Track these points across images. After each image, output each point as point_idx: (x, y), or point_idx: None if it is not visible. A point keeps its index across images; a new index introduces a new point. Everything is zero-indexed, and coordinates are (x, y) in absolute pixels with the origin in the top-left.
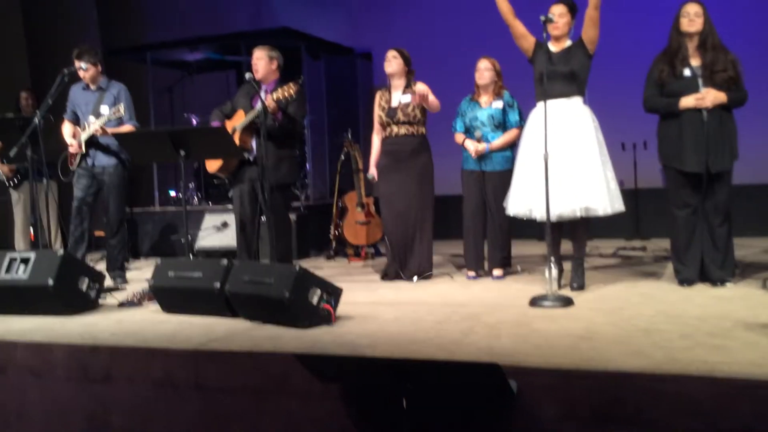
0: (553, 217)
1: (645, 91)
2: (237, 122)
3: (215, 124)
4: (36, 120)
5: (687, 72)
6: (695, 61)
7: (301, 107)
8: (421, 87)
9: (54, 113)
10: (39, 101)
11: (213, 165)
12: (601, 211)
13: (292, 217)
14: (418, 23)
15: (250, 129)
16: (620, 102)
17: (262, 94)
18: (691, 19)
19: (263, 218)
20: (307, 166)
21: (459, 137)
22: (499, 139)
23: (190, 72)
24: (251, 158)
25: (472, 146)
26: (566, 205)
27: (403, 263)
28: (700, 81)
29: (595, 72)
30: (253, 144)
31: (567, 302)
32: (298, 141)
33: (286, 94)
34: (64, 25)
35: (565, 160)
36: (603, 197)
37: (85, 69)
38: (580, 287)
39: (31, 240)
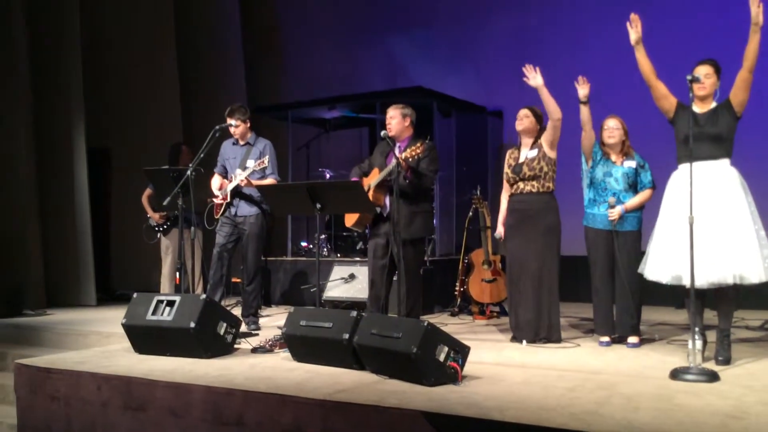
0: (703, 284)
1: None
2: (372, 180)
3: (353, 179)
4: (189, 172)
5: None
6: None
7: (433, 163)
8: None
9: (204, 166)
10: (194, 156)
11: (350, 219)
12: (756, 278)
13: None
14: (552, 81)
15: (383, 186)
16: None
17: (396, 152)
18: None
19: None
20: (435, 221)
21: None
22: (635, 200)
23: (327, 129)
24: (385, 214)
25: (615, 212)
26: (717, 272)
27: (528, 325)
28: None
29: (742, 133)
30: (387, 201)
31: (712, 377)
32: (430, 195)
33: (414, 153)
34: (215, 85)
35: (714, 225)
36: (757, 264)
37: (235, 125)
38: (726, 361)
39: (176, 284)
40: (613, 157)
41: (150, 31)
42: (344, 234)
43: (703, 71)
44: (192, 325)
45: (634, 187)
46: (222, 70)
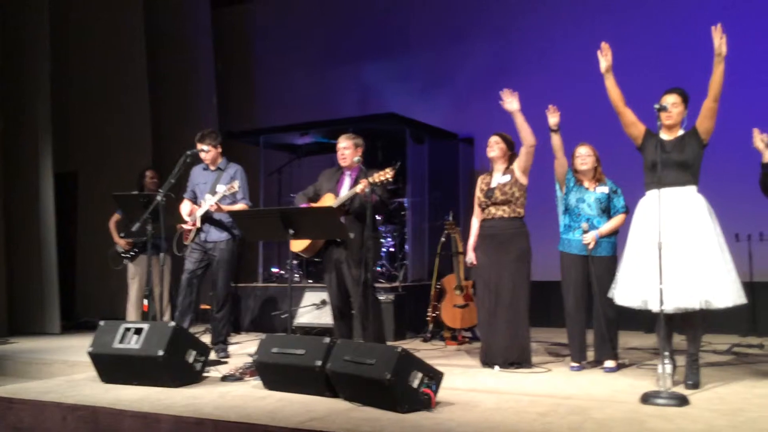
0: (671, 309)
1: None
2: (327, 204)
3: (303, 206)
4: (159, 197)
5: None
6: None
7: (385, 190)
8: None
9: (174, 192)
10: (162, 180)
11: (299, 245)
12: (723, 303)
13: (390, 297)
14: (522, 108)
15: (339, 210)
16: (734, 192)
17: (347, 181)
18: None
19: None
20: (406, 246)
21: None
22: (608, 225)
23: (299, 155)
24: (351, 236)
25: (589, 237)
26: (685, 297)
27: (500, 350)
28: None
29: (708, 161)
30: None
31: (682, 401)
32: (392, 221)
33: (382, 177)
34: (185, 110)
35: (682, 250)
36: (724, 289)
37: (206, 151)
38: (696, 385)
39: (144, 311)
40: (586, 184)
41: (120, 55)
42: (316, 260)
43: (671, 100)
44: (160, 353)
45: (607, 212)
46: (193, 94)
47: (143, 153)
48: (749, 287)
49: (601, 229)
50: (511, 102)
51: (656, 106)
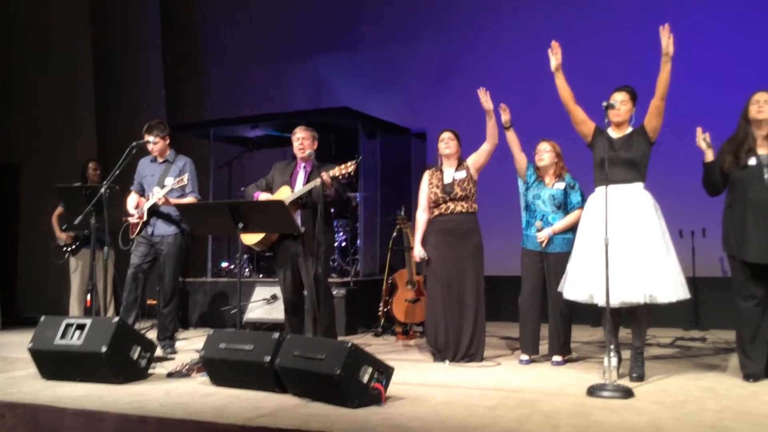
0: (616, 303)
1: None
2: (282, 197)
3: (257, 195)
4: (102, 190)
5: (752, 161)
6: (763, 150)
7: (343, 185)
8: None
9: (120, 184)
10: (106, 172)
11: (251, 238)
12: (666, 298)
13: (342, 291)
14: (473, 105)
15: (295, 203)
16: (679, 189)
17: (302, 173)
18: (761, 107)
19: (305, 292)
20: (359, 241)
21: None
22: (562, 222)
23: (250, 148)
24: (301, 231)
25: (542, 235)
26: (630, 292)
27: (454, 344)
28: (765, 170)
29: (654, 158)
30: (297, 218)
31: (627, 393)
32: (345, 216)
33: (344, 171)
34: (132, 100)
35: (628, 246)
36: (668, 284)
37: (153, 142)
38: (640, 378)
39: (87, 306)
40: (547, 179)
41: (64, 45)
42: (267, 254)
43: (619, 98)
44: (104, 349)
45: (563, 208)
46: (141, 85)
47: (88, 145)
48: (692, 282)
49: (555, 226)
50: (488, 101)
51: (605, 103)
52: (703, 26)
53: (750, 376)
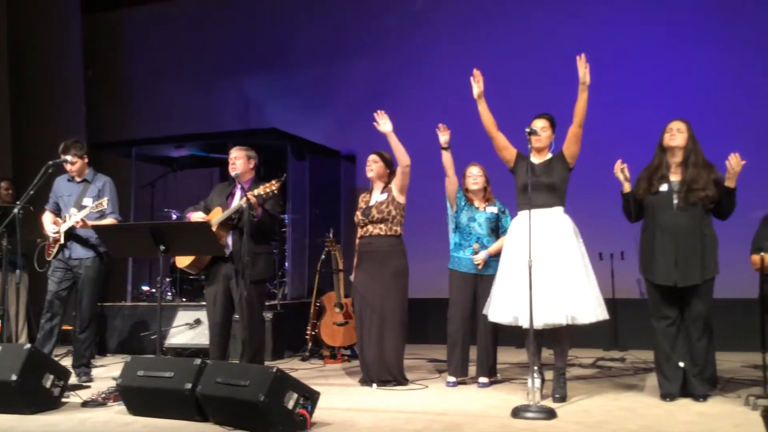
0: (539, 325)
1: None
2: (214, 218)
3: (189, 216)
4: (15, 210)
5: (664, 187)
6: (675, 177)
7: (278, 204)
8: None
9: (35, 205)
10: (20, 192)
11: (184, 261)
12: (587, 319)
13: (268, 315)
14: (404, 128)
15: (226, 225)
16: (598, 213)
17: (239, 193)
18: (673, 135)
19: (236, 316)
20: (286, 263)
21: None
22: (496, 245)
23: (174, 168)
24: (226, 254)
25: (479, 258)
26: (552, 313)
27: (375, 367)
28: (675, 197)
29: (574, 183)
30: (229, 240)
31: (550, 414)
32: (276, 237)
33: (267, 190)
34: (51, 117)
35: (549, 269)
36: (588, 305)
37: (71, 162)
38: (563, 398)
39: None
40: (476, 203)
41: None
42: (190, 277)
43: (540, 124)
44: (13, 377)
45: (496, 231)
46: (60, 101)
47: (2, 162)
48: (611, 304)
49: (490, 249)
50: (384, 123)
51: (528, 129)
52: (622, 55)
53: (667, 395)
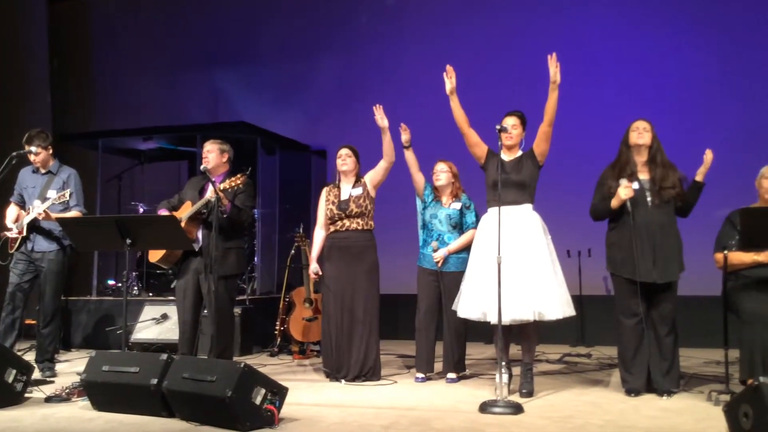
0: (507, 320)
1: (593, 200)
2: (184, 213)
3: (161, 211)
4: None
5: (635, 185)
6: (644, 175)
7: (249, 198)
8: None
9: None
10: None
11: (155, 255)
12: (554, 315)
13: (237, 310)
14: (374, 123)
15: (196, 219)
16: (566, 210)
17: (210, 186)
18: (640, 133)
19: (205, 311)
20: (256, 258)
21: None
22: (457, 242)
23: (142, 161)
24: (196, 248)
25: (438, 255)
26: (520, 309)
27: (347, 362)
28: (648, 194)
29: (543, 180)
30: (199, 234)
31: (517, 409)
32: (245, 232)
33: (233, 184)
34: (15, 106)
35: (517, 265)
36: (555, 302)
37: (35, 153)
38: (530, 393)
39: None
40: (444, 199)
41: None
42: (157, 271)
43: (510, 122)
44: None
45: (459, 228)
46: (24, 92)
47: None
48: (578, 300)
49: (450, 246)
50: (383, 118)
51: (498, 126)
52: (591, 55)
53: (631, 390)
